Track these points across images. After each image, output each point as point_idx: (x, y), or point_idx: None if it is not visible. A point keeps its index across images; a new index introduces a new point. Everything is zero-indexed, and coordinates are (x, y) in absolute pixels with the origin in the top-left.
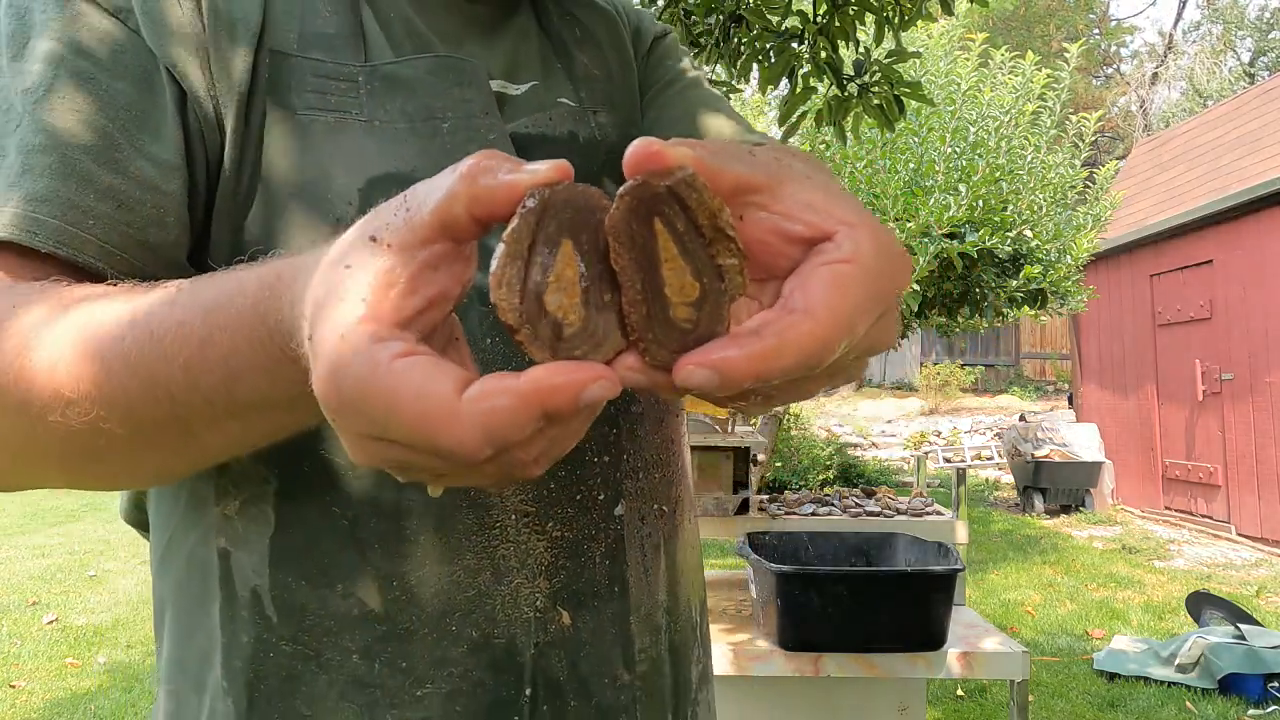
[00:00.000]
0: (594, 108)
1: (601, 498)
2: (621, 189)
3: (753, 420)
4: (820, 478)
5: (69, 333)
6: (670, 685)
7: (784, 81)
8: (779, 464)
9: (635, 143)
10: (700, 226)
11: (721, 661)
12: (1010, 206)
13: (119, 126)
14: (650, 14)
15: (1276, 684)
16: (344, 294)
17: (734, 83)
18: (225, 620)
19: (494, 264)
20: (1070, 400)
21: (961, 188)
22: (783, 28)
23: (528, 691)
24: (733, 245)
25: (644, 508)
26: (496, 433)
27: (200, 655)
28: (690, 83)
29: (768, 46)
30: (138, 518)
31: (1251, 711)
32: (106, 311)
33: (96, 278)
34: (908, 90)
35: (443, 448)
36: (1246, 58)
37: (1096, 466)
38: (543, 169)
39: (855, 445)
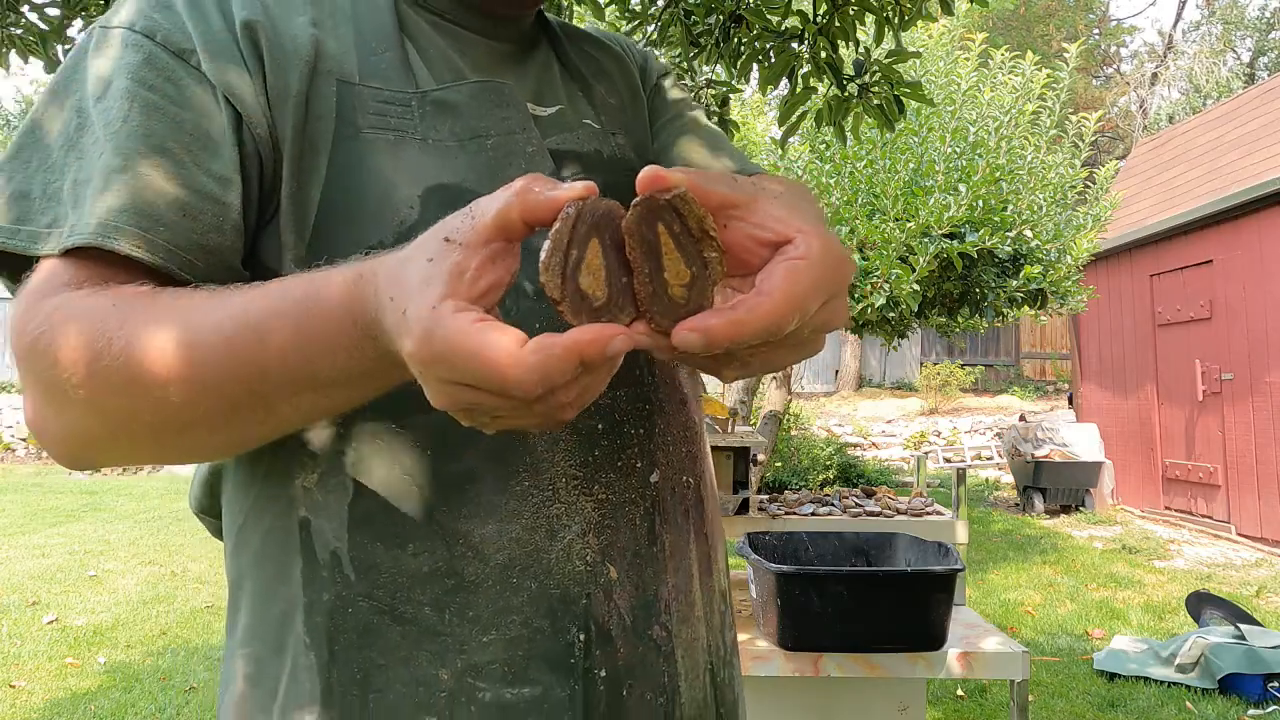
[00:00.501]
0: (613, 130)
1: (639, 465)
2: (634, 200)
3: (753, 420)
4: (820, 478)
5: (173, 322)
6: (704, 643)
7: (784, 81)
8: (779, 464)
9: (645, 169)
10: (691, 229)
11: None
12: (1010, 206)
13: (184, 147)
14: (654, 53)
15: (1276, 684)
16: (430, 279)
17: (734, 83)
18: (307, 582)
19: (542, 255)
20: (1070, 400)
21: (961, 188)
22: (783, 28)
23: (581, 637)
24: (714, 243)
25: (674, 478)
26: (547, 375)
27: (279, 618)
28: (691, 121)
29: (768, 46)
30: (210, 505)
31: (1251, 711)
32: (208, 304)
33: (164, 278)
34: (908, 90)
35: (508, 386)
36: (1246, 58)
37: (1096, 466)
38: (578, 187)
39: (855, 445)
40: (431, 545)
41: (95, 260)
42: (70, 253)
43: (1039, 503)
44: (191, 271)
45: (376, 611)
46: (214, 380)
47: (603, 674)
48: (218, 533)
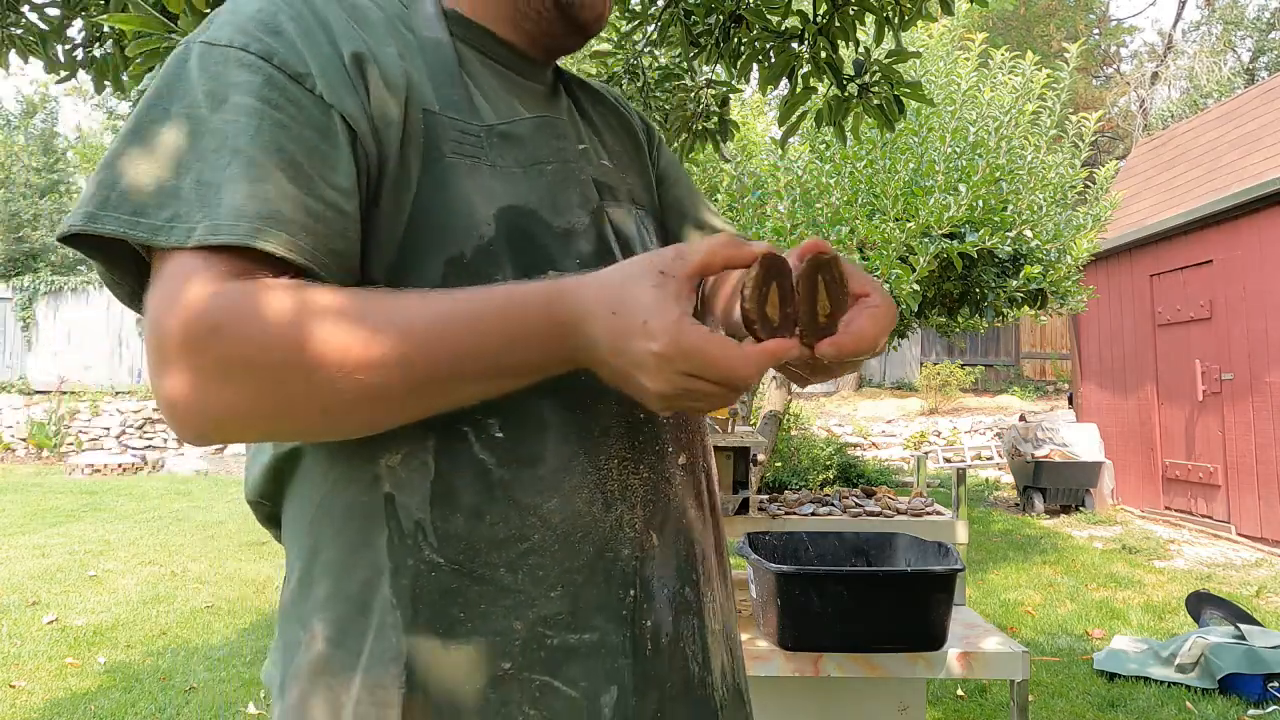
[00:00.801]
0: (622, 171)
1: (670, 450)
2: (806, 259)
3: (753, 420)
4: (820, 478)
5: (389, 314)
6: (720, 605)
7: (784, 81)
8: (779, 464)
9: (812, 240)
10: (835, 280)
11: None
12: (1010, 206)
13: (310, 162)
14: (652, 122)
15: (1276, 684)
16: (664, 300)
17: (734, 83)
18: (393, 550)
19: (745, 290)
20: (1070, 400)
21: (961, 188)
22: (783, 28)
23: (630, 593)
24: (845, 290)
25: (694, 461)
26: (760, 370)
27: (363, 583)
28: (691, 185)
29: (768, 46)
30: (273, 490)
31: (1251, 711)
32: (410, 301)
33: (297, 279)
34: (908, 90)
35: (735, 379)
36: (1246, 57)
37: (1096, 466)
38: (764, 245)
39: (855, 445)
40: (505, 516)
41: (235, 257)
42: (206, 248)
43: (1039, 503)
44: (325, 273)
45: (457, 574)
46: (423, 364)
47: (648, 624)
48: (270, 519)
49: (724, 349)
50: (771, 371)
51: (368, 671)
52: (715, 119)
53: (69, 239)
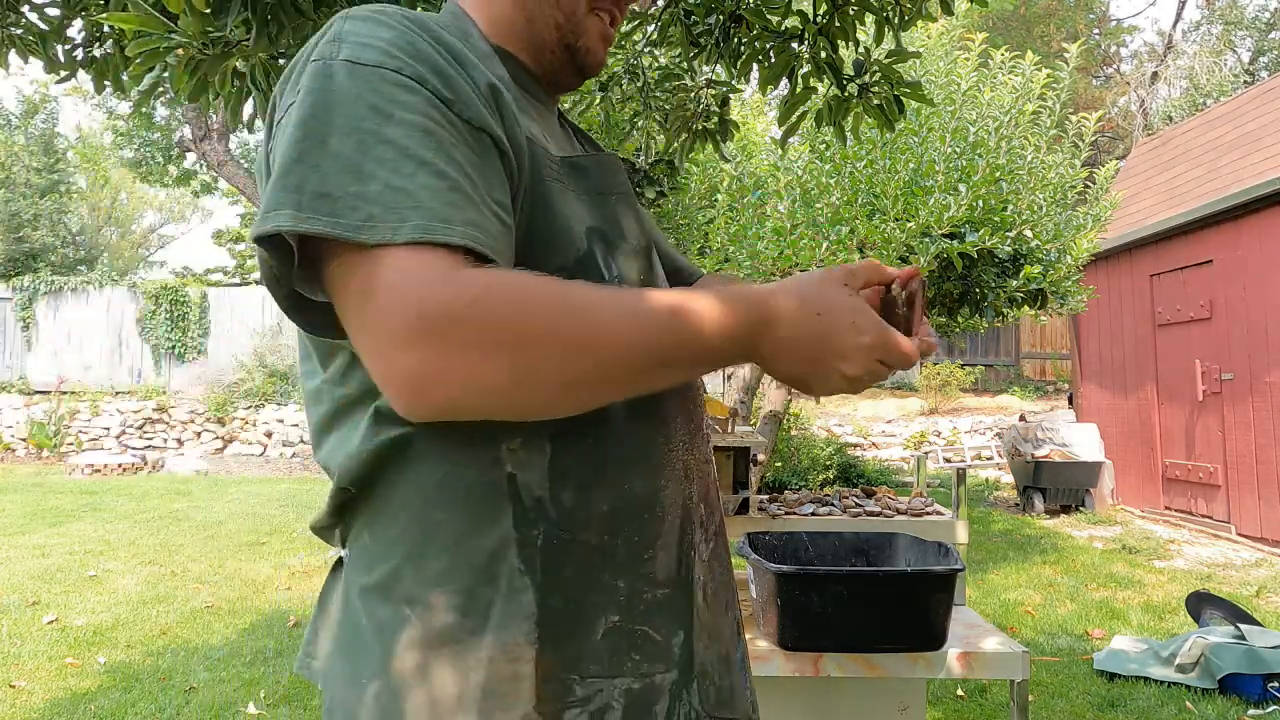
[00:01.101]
0: None
1: (704, 430)
2: (914, 279)
3: (753, 420)
4: (820, 478)
5: (618, 303)
6: (730, 566)
7: (784, 81)
8: (779, 464)
9: (912, 267)
10: (925, 294)
11: None
12: (1010, 206)
13: (478, 176)
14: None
15: (1276, 684)
16: (860, 303)
17: (734, 83)
18: (519, 523)
19: (901, 297)
20: (1070, 400)
21: (961, 188)
22: (783, 28)
23: (691, 554)
24: (927, 302)
25: (706, 448)
26: (917, 359)
27: (490, 554)
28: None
29: (768, 46)
30: (366, 475)
31: (1251, 711)
32: (627, 294)
33: None
34: (908, 90)
35: (908, 364)
36: (1246, 57)
37: (1096, 466)
38: (911, 268)
39: (855, 445)
40: (608, 492)
41: (445, 253)
42: (417, 244)
43: (1039, 503)
44: None
45: (573, 542)
46: (655, 348)
47: (699, 579)
48: (342, 509)
49: (906, 341)
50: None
51: (500, 632)
52: (715, 119)
53: (264, 239)
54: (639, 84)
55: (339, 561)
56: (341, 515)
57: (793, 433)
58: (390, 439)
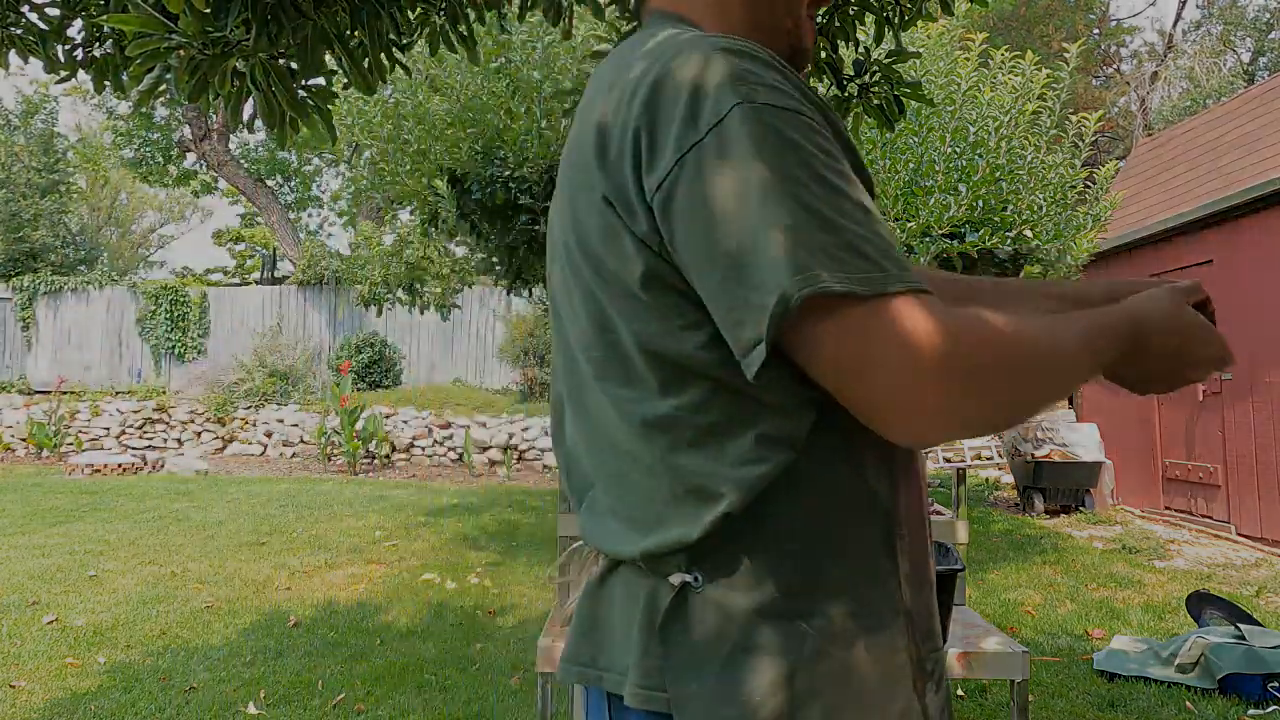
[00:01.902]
0: None
1: None
2: (1208, 297)
3: None
4: None
5: (1057, 334)
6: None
7: None
8: None
9: (1203, 291)
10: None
11: None
12: (1010, 206)
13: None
14: None
15: (1276, 684)
16: (1205, 323)
17: None
18: (881, 530)
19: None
20: (1070, 400)
21: (961, 188)
22: None
23: (926, 544)
24: None
25: None
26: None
27: (870, 559)
28: None
29: None
30: (752, 501)
31: (1251, 711)
32: (1071, 324)
33: None
34: (908, 90)
35: (1228, 366)
36: (1246, 57)
37: (1096, 466)
38: (1204, 292)
39: None
40: (905, 501)
41: (913, 297)
42: (901, 294)
43: (1039, 503)
44: None
45: (907, 538)
46: (1079, 364)
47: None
48: (682, 564)
49: (1228, 346)
50: None
51: (888, 627)
52: None
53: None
54: None
55: (637, 576)
56: (708, 538)
57: None
58: (782, 463)
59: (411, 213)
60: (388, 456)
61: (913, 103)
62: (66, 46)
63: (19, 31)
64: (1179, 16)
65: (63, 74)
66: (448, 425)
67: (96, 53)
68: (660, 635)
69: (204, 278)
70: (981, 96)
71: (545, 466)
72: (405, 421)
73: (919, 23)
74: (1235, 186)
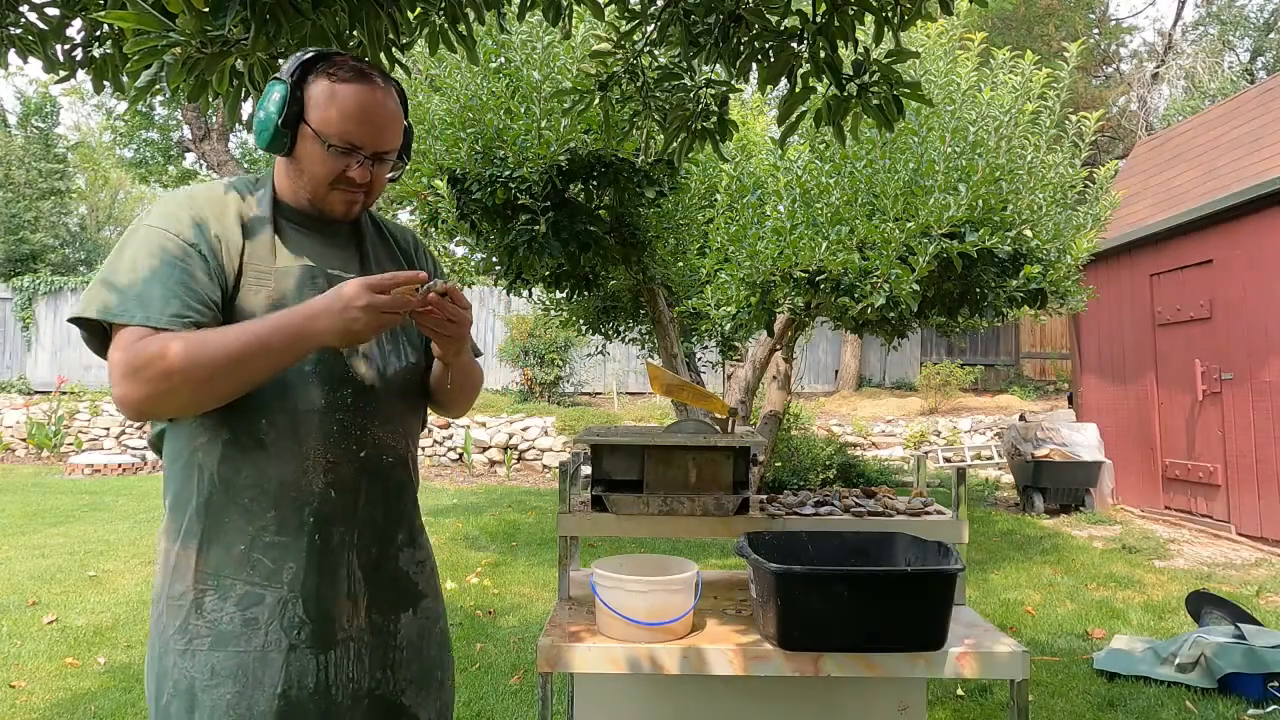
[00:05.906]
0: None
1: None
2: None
3: (753, 420)
4: (820, 478)
5: (213, 340)
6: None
7: (783, 81)
8: (779, 464)
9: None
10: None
11: (721, 661)
12: (1010, 206)
13: (192, 281)
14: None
15: (1276, 684)
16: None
17: (733, 82)
18: (200, 488)
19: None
20: (1070, 400)
21: (961, 188)
22: (782, 27)
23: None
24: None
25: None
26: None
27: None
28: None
29: (767, 46)
30: None
31: (1251, 711)
32: (232, 330)
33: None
34: (907, 90)
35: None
36: (1246, 58)
37: (1096, 466)
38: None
39: (855, 445)
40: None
41: (142, 330)
42: (139, 326)
43: (1039, 502)
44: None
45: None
46: (249, 366)
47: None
48: None
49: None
50: (772, 372)
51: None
52: (714, 119)
53: (79, 321)
54: (638, 83)
55: None
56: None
57: (793, 433)
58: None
59: (411, 212)
60: None
61: (912, 103)
62: (65, 46)
63: (18, 31)
64: (1179, 16)
65: (62, 74)
66: (447, 425)
67: (95, 53)
68: None
69: None
70: (981, 96)
71: (545, 466)
72: None
73: (919, 22)
74: (1235, 186)
